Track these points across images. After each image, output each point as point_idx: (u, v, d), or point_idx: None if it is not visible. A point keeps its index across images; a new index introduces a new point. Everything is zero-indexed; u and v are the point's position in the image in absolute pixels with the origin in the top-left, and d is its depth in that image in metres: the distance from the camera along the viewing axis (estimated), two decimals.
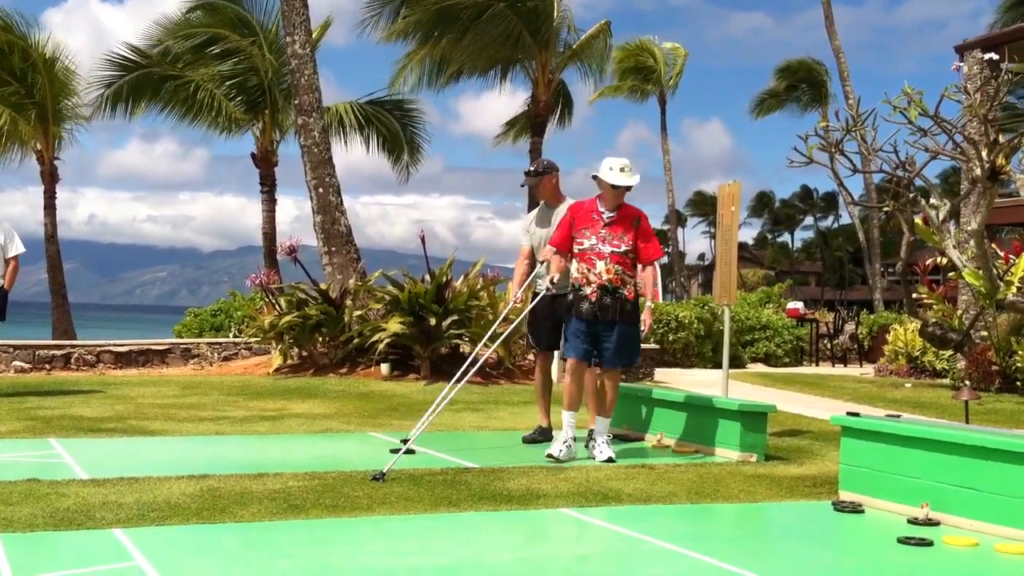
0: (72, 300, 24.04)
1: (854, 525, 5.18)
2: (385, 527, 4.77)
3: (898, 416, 6.09)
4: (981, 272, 10.49)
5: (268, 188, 23.44)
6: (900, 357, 15.17)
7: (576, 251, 6.85)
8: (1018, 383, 11.91)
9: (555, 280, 6.98)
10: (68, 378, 11.76)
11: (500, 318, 7.88)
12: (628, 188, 6.84)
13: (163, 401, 9.59)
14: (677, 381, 12.74)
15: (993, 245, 13.73)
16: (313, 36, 15.16)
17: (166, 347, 13.34)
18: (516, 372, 11.98)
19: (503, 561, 4.30)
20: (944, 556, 4.55)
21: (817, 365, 18.59)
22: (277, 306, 12.67)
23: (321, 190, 13.86)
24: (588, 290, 6.72)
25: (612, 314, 6.70)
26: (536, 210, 7.82)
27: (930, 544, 4.67)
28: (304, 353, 12.53)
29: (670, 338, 16.36)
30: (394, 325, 11.56)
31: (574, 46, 23.97)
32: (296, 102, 14.33)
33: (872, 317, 21.05)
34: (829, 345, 19.53)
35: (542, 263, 7.36)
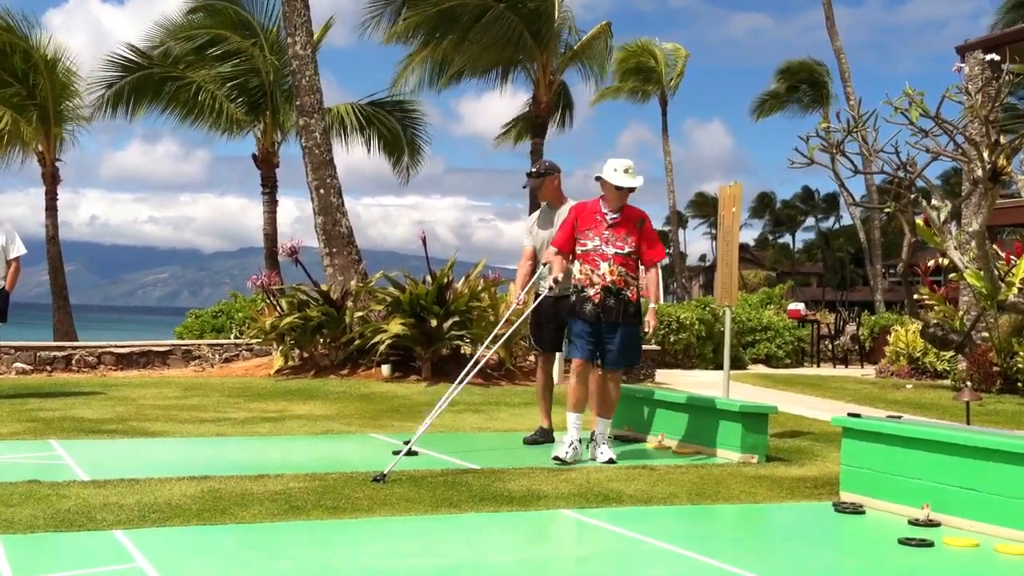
0: (73, 301, 24.03)
1: (855, 526, 5.18)
2: (386, 528, 4.77)
3: (899, 417, 6.09)
4: (982, 273, 10.49)
5: (269, 189, 23.46)
6: (901, 358, 15.17)
7: (579, 252, 6.84)
8: (1019, 384, 11.90)
9: (559, 280, 6.97)
10: (69, 379, 11.77)
11: (503, 320, 7.87)
12: (632, 190, 6.83)
13: (164, 402, 9.59)
14: (678, 382, 12.74)
15: (994, 246, 13.72)
16: (314, 37, 15.16)
17: (167, 348, 13.35)
18: (517, 373, 11.98)
19: (504, 562, 4.30)
20: (945, 557, 4.55)
21: (818, 366, 18.58)
22: (278, 307, 12.67)
23: (322, 191, 13.87)
24: (592, 291, 6.71)
25: (616, 315, 6.70)
26: (538, 212, 7.82)
27: (931, 545, 4.67)
28: (305, 354, 12.53)
29: (671, 339, 16.36)
30: (395, 326, 11.56)
31: (575, 47, 23.98)
32: (297, 103, 14.34)
33: (873, 318, 21.05)
34: (830, 346, 19.53)
35: (544, 265, 7.36)
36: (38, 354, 12.41)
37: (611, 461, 6.63)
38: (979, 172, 8.57)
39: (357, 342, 12.08)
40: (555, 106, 24.82)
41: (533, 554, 4.58)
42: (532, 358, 11.86)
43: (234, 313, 17.17)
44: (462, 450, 7.02)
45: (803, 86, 41.07)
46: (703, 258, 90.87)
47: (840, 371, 17.46)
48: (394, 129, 24.64)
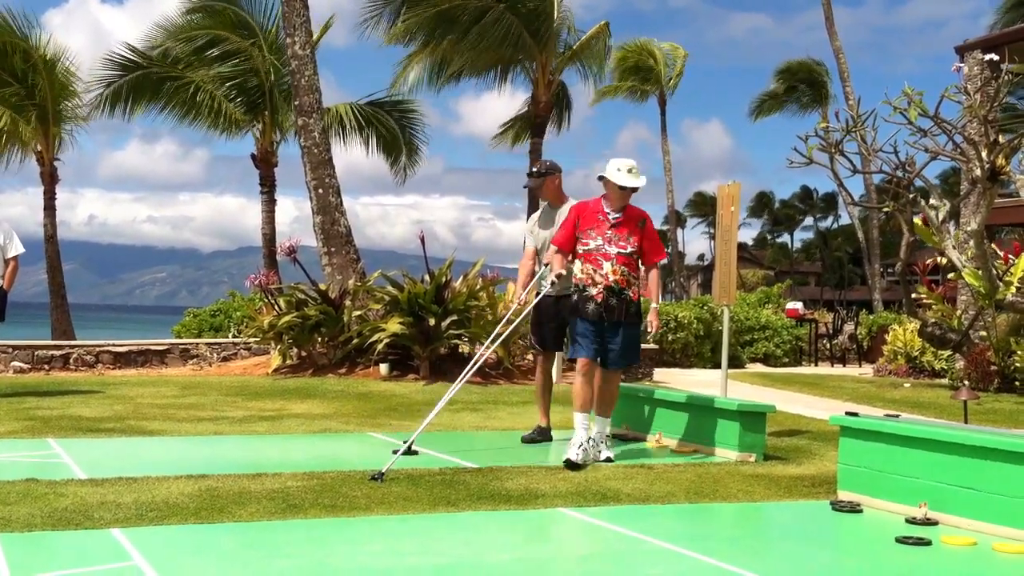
0: (71, 301, 24.04)
1: (852, 525, 5.19)
2: (384, 527, 4.77)
3: (897, 416, 6.09)
4: (980, 272, 10.51)
5: (268, 189, 23.45)
6: (899, 357, 15.17)
7: (581, 251, 6.81)
8: (1017, 383, 11.91)
9: (562, 275, 6.94)
10: (67, 378, 11.76)
11: (504, 319, 7.87)
12: (635, 189, 6.82)
13: (162, 401, 9.59)
14: (676, 381, 12.74)
15: (992, 245, 13.73)
16: (313, 37, 15.16)
17: (165, 347, 13.35)
18: (515, 372, 11.98)
19: (502, 561, 4.30)
20: (942, 555, 4.55)
21: (816, 365, 18.59)
22: (276, 306, 12.67)
23: (321, 191, 13.87)
24: (594, 291, 6.70)
25: (618, 315, 6.69)
26: (539, 212, 7.81)
27: (928, 544, 4.68)
28: (303, 353, 12.53)
29: (669, 338, 16.36)
30: (393, 325, 11.56)
31: (574, 47, 23.98)
32: (296, 103, 14.33)
33: (871, 317, 21.05)
34: (828, 345, 19.53)
35: (545, 265, 7.35)
36: (36, 353, 12.41)
37: (609, 460, 6.64)
38: (978, 171, 8.59)
39: (355, 341, 12.08)
40: (554, 105, 24.81)
41: (531, 553, 4.57)
42: (530, 357, 11.87)
43: (232, 312, 17.17)
44: (460, 449, 7.02)
45: (802, 86, 41.05)
46: (701, 257, 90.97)
47: (838, 370, 17.46)
48: (392, 129, 24.65)
